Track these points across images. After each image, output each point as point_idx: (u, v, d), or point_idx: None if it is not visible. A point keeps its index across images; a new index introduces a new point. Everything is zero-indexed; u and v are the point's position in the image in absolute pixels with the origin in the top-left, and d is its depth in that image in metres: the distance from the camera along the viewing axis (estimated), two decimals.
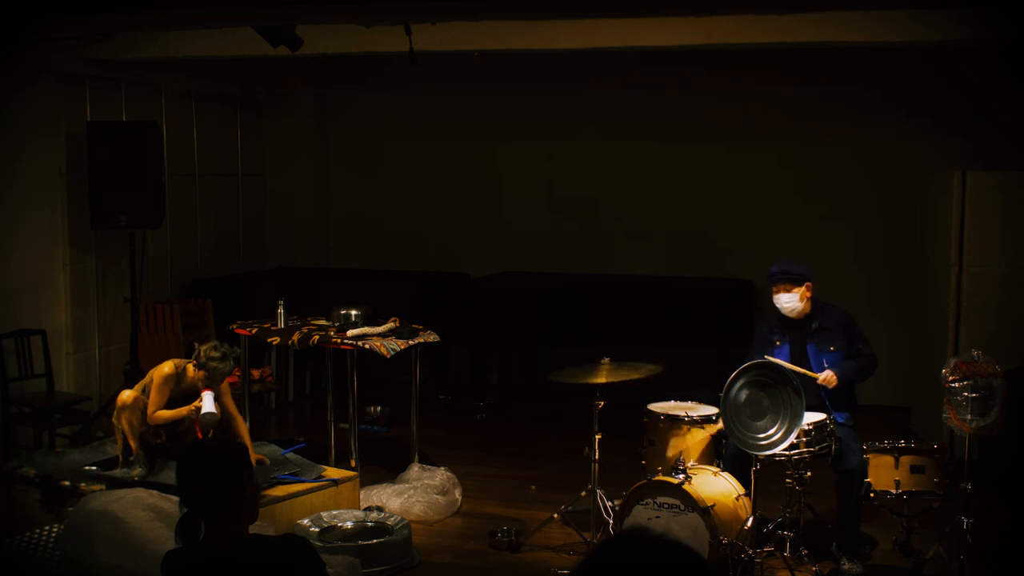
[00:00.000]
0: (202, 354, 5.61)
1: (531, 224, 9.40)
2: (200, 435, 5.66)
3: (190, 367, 5.68)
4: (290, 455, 5.96)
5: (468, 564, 5.35)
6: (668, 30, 6.36)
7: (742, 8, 5.90)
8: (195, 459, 3.07)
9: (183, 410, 5.63)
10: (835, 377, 5.24)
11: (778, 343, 5.40)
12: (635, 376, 5.41)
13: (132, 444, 5.69)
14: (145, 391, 5.73)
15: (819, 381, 5.25)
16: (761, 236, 8.80)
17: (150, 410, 5.65)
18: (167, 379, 5.66)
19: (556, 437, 7.55)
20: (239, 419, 5.91)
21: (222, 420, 5.75)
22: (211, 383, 5.60)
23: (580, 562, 1.80)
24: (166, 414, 5.64)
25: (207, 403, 5.55)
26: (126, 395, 5.71)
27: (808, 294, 5.35)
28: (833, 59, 8.22)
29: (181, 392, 5.69)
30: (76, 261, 7.46)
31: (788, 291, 5.33)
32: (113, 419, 5.79)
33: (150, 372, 5.79)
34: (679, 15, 6.12)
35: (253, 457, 5.71)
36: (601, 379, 5.36)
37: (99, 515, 4.84)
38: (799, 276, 5.30)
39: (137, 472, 5.62)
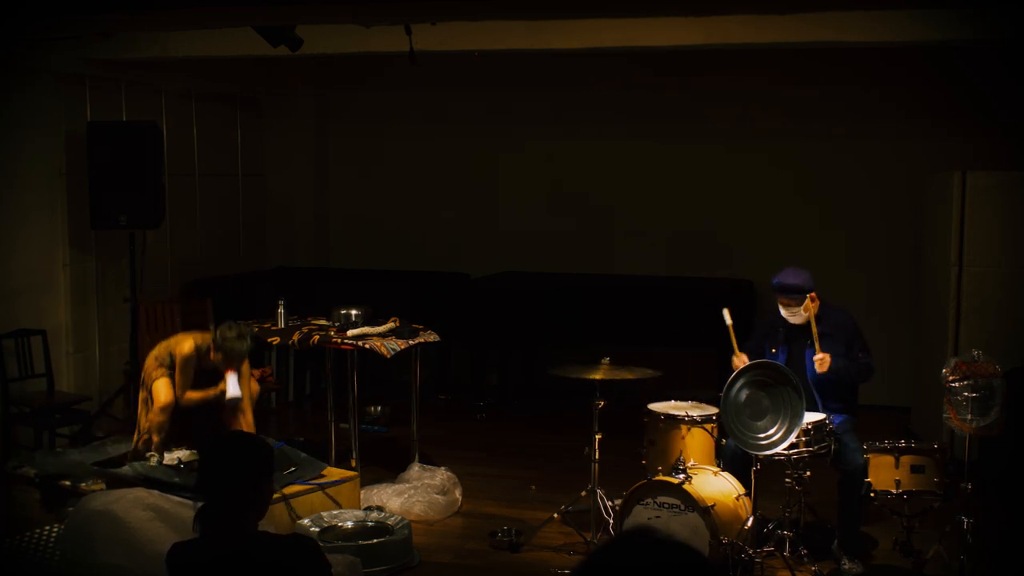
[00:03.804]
0: (218, 336, 5.65)
1: (531, 224, 9.40)
2: (229, 417, 5.75)
3: (211, 345, 5.74)
4: (285, 448, 5.96)
5: (468, 564, 5.35)
6: (668, 30, 6.36)
7: (742, 8, 5.90)
8: (224, 448, 3.05)
9: (211, 392, 5.71)
10: (829, 359, 5.24)
11: (774, 351, 5.41)
12: (631, 376, 5.41)
13: (155, 439, 5.75)
14: (163, 364, 5.80)
15: (815, 358, 5.25)
16: (761, 236, 8.81)
17: (179, 392, 5.73)
18: (188, 360, 5.73)
19: (556, 437, 7.55)
20: (248, 413, 5.95)
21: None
22: (231, 364, 5.62)
23: (582, 561, 1.80)
24: (195, 396, 5.74)
25: (231, 387, 5.62)
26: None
27: (812, 304, 5.34)
28: (833, 59, 8.22)
29: (204, 370, 5.73)
30: (76, 261, 7.45)
31: (788, 306, 5.34)
32: (142, 416, 5.84)
33: (167, 344, 5.82)
34: (679, 15, 6.12)
35: None
36: (599, 375, 5.37)
37: (99, 515, 4.84)
38: (800, 294, 5.29)
39: (153, 460, 5.69)
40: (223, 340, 5.62)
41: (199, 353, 5.73)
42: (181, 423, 5.82)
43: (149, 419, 5.82)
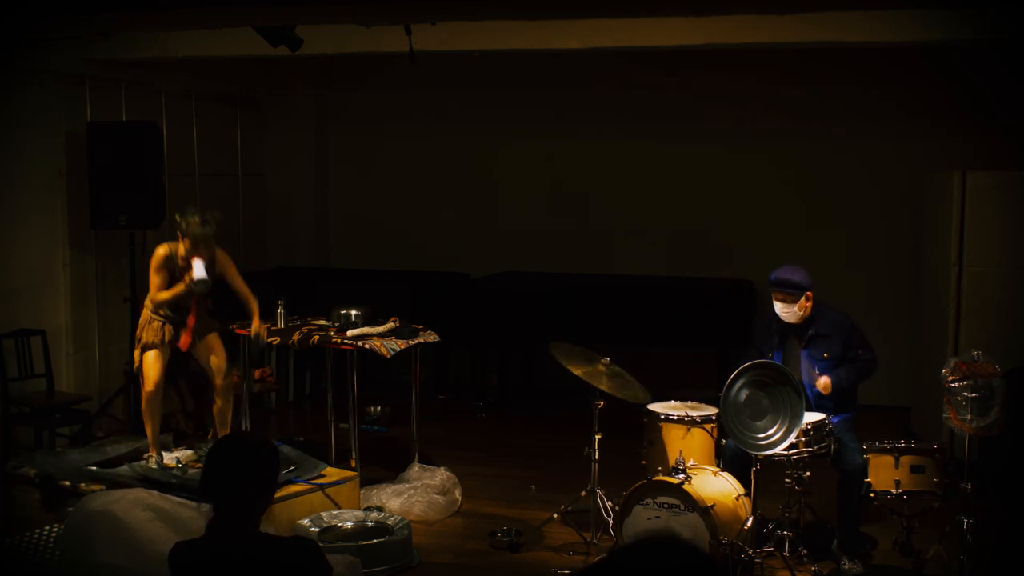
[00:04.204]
0: (182, 223, 5.66)
1: (531, 224, 9.40)
2: (194, 306, 5.78)
3: (181, 244, 5.73)
4: (287, 449, 5.97)
5: (468, 564, 5.35)
6: (668, 30, 6.36)
7: (742, 8, 5.90)
8: (231, 448, 3.04)
9: (179, 285, 5.71)
10: (831, 383, 5.24)
11: (770, 356, 5.39)
12: (619, 396, 5.41)
13: (148, 430, 5.76)
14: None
15: (817, 387, 5.25)
16: (761, 236, 8.80)
17: (151, 293, 5.79)
18: (161, 260, 5.76)
19: (556, 437, 7.55)
20: (248, 294, 6.07)
21: (221, 286, 5.89)
22: (198, 249, 5.63)
23: (596, 562, 1.81)
24: (165, 295, 5.75)
25: (197, 270, 5.61)
26: (149, 384, 5.79)
27: (807, 303, 5.32)
28: (833, 59, 8.22)
29: (181, 272, 5.75)
30: (76, 261, 7.45)
31: (784, 301, 5.32)
32: (143, 406, 5.87)
33: (151, 260, 5.88)
34: (679, 15, 6.12)
35: (257, 325, 6.04)
36: (591, 377, 5.37)
37: (99, 515, 4.84)
38: (796, 291, 5.28)
39: (151, 461, 5.69)
40: (187, 226, 5.64)
41: (171, 254, 5.76)
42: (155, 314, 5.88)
43: (143, 407, 5.87)
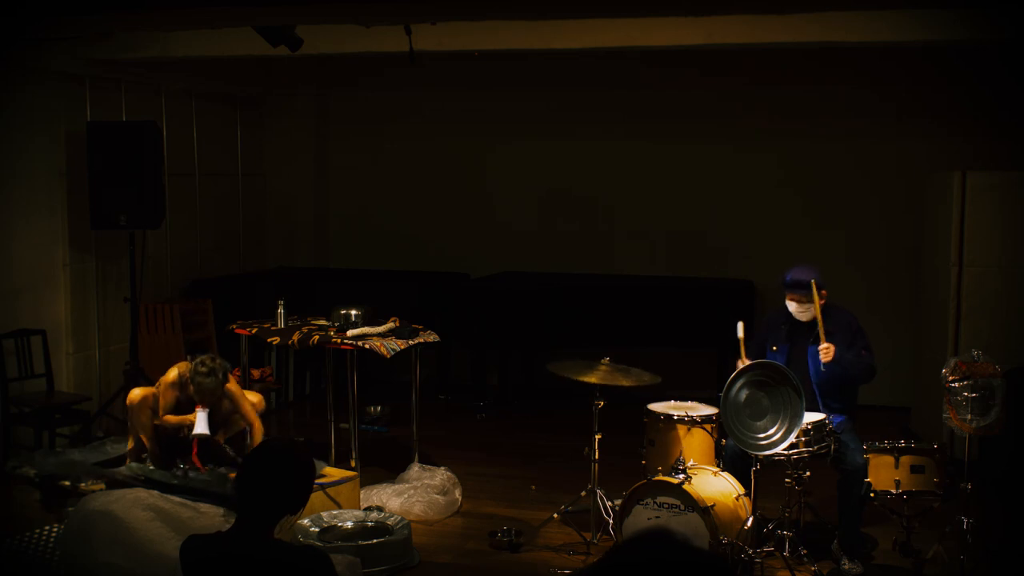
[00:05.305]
0: (191, 368, 5.62)
1: (531, 224, 9.40)
2: (195, 444, 5.70)
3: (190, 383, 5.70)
4: None
5: (468, 564, 5.35)
6: (668, 30, 6.36)
7: (742, 8, 5.90)
8: (271, 456, 3.02)
9: (186, 418, 5.68)
10: (833, 350, 5.22)
11: (775, 348, 5.40)
12: (627, 383, 5.42)
13: (145, 441, 5.74)
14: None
15: (820, 347, 5.22)
16: (761, 236, 8.81)
17: (160, 413, 5.74)
18: (171, 385, 5.73)
19: (557, 437, 7.55)
20: (256, 425, 5.84)
21: (236, 432, 5.83)
22: (203, 397, 5.58)
23: (599, 559, 1.81)
24: (172, 420, 5.72)
25: (199, 424, 5.56)
26: (134, 394, 5.76)
27: (821, 302, 5.33)
28: (833, 59, 8.22)
29: (188, 398, 5.71)
30: (76, 261, 7.45)
31: (799, 302, 5.33)
32: (128, 420, 5.85)
33: (161, 379, 5.83)
34: (679, 15, 6.13)
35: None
36: (596, 379, 5.37)
37: (99, 515, 4.85)
38: (811, 291, 5.27)
39: (152, 463, 5.68)
40: (194, 374, 5.56)
41: (181, 381, 5.71)
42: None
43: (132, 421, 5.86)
